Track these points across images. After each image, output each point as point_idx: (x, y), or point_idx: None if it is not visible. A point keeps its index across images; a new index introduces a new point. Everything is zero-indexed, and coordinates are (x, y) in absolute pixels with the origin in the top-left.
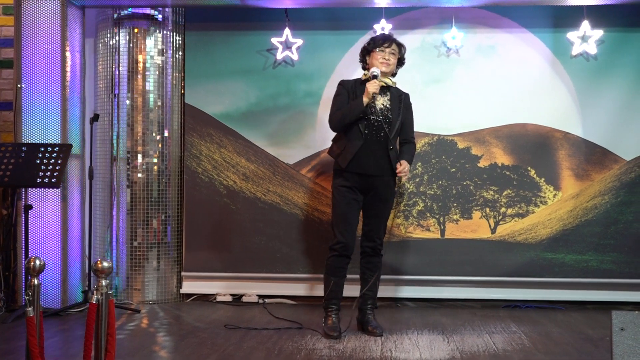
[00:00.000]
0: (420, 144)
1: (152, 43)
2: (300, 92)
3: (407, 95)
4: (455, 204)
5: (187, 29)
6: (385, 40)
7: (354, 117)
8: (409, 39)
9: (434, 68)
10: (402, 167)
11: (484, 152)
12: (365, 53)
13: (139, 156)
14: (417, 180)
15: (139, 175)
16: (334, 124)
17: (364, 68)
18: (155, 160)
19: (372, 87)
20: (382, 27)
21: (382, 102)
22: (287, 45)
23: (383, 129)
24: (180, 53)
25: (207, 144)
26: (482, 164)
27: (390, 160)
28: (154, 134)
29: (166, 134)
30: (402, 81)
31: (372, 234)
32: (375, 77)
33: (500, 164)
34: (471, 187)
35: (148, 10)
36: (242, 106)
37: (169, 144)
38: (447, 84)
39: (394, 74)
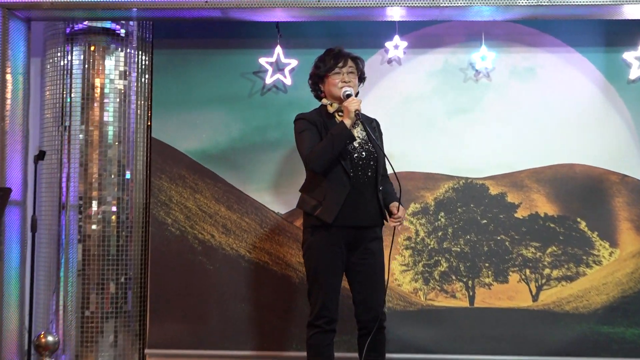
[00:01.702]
0: (442, 189)
1: (113, 64)
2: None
3: (376, 120)
4: (487, 264)
5: (155, 47)
6: (337, 59)
7: (341, 144)
8: (429, 60)
9: (460, 95)
10: (400, 212)
11: (522, 200)
12: (317, 80)
13: (94, 203)
14: (440, 234)
15: (94, 227)
16: (315, 161)
17: (318, 98)
18: (113, 209)
19: (353, 104)
20: (396, 44)
21: (356, 134)
22: (278, 67)
23: (370, 167)
24: (146, 76)
25: (178, 188)
26: (520, 214)
27: (379, 204)
28: (112, 176)
29: (128, 175)
30: (421, 111)
31: (371, 301)
32: (349, 96)
33: (542, 214)
34: (507, 243)
35: (108, 24)
36: (222, 142)
37: (131, 189)
38: (475, 115)
39: (356, 95)
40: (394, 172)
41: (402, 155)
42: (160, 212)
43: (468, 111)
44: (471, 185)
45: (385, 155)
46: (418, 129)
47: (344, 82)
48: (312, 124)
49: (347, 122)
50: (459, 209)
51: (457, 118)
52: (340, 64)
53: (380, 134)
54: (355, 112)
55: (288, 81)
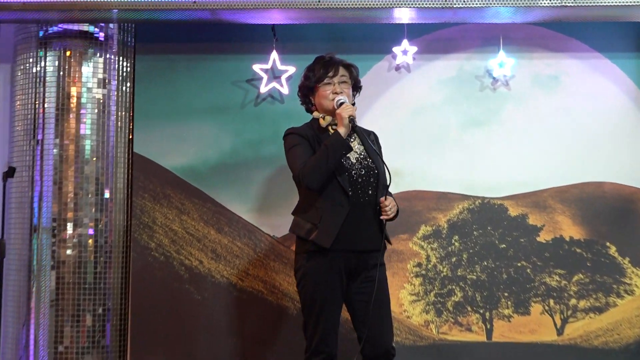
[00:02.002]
0: (456, 210)
1: (91, 70)
2: None
3: (374, 133)
4: (506, 294)
5: (138, 52)
6: (327, 68)
7: (337, 155)
8: (441, 67)
9: (475, 106)
10: (388, 202)
11: (545, 222)
12: (306, 92)
13: (69, 225)
14: (454, 260)
15: (69, 252)
16: (310, 176)
17: (309, 111)
18: (91, 232)
19: (346, 110)
20: (404, 49)
21: (353, 148)
22: (274, 75)
23: (370, 185)
24: (128, 84)
25: (163, 209)
26: (543, 237)
27: (381, 226)
28: (90, 195)
29: (107, 194)
30: (433, 124)
31: (379, 336)
32: (342, 104)
33: (568, 238)
34: (528, 271)
35: (86, 27)
36: (212, 157)
37: (110, 209)
38: (493, 128)
39: (353, 104)
40: (386, 168)
41: (411, 172)
42: (142, 235)
43: (485, 123)
44: (488, 205)
45: (387, 168)
46: (429, 143)
47: (336, 93)
48: (303, 139)
49: (342, 130)
50: (475, 232)
51: (472, 131)
52: (331, 73)
53: (379, 148)
54: (349, 118)
55: (285, 90)
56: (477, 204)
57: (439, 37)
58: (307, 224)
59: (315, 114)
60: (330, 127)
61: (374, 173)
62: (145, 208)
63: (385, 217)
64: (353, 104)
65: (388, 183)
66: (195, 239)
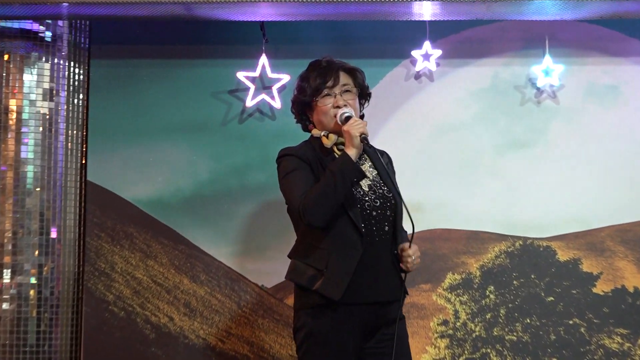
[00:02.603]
0: (491, 253)
1: (34, 79)
2: None
3: (386, 154)
4: (555, 359)
5: (93, 56)
6: (324, 76)
7: (346, 184)
8: (472, 75)
9: (515, 124)
10: (412, 252)
11: (603, 269)
12: (301, 108)
13: (6, 273)
14: (488, 317)
15: (5, 305)
16: (313, 210)
17: (306, 129)
18: (33, 280)
19: (356, 127)
20: (426, 53)
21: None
22: (263, 85)
23: (386, 220)
24: (81, 96)
25: (124, 252)
26: (600, 288)
27: (398, 270)
28: (32, 235)
29: (54, 234)
30: (461, 146)
31: None
32: (348, 118)
33: (631, 289)
34: (582, 330)
35: (29, 24)
36: (185, 187)
37: (58, 252)
38: (536, 151)
39: (361, 117)
40: (407, 210)
41: (434, 206)
42: (98, 284)
43: (526, 145)
44: (532, 248)
45: (402, 200)
46: (456, 169)
47: (337, 106)
48: (303, 162)
49: (352, 152)
50: (514, 282)
51: (510, 155)
52: (330, 82)
53: (393, 172)
54: (360, 137)
55: (277, 103)
56: (517, 245)
57: (468, 37)
58: (309, 270)
59: (315, 131)
60: (335, 148)
61: (391, 204)
62: (102, 251)
63: (410, 267)
64: (362, 117)
65: (410, 220)
66: (164, 289)
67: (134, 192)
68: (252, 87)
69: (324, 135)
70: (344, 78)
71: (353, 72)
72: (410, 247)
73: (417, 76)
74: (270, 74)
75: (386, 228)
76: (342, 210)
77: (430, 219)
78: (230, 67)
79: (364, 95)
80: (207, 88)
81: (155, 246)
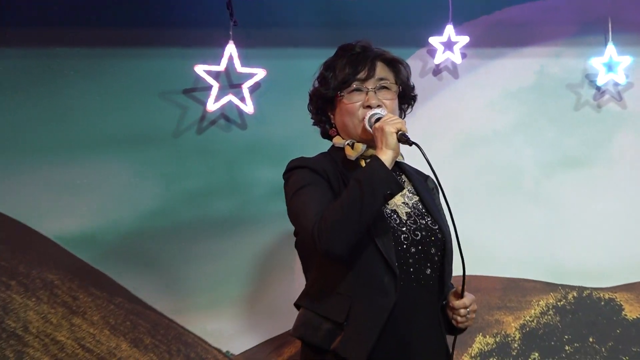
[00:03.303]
0: (536, 308)
1: None
2: (260, 188)
3: (431, 178)
4: None
5: None
6: (356, 64)
7: (379, 198)
8: (508, 70)
9: (567, 133)
10: (465, 302)
11: None
12: (321, 104)
13: None
14: None
15: None
16: (332, 233)
17: (326, 135)
18: None
19: (393, 122)
20: (449, 39)
21: (400, 198)
22: (231, 82)
23: (430, 260)
24: None
25: (40, 305)
26: None
27: (443, 332)
28: None
29: None
30: (495, 164)
31: None
32: (379, 120)
33: None
34: None
35: None
36: (124, 220)
37: None
38: (596, 171)
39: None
40: (459, 247)
41: (463, 243)
42: (5, 350)
43: (582, 163)
44: (590, 301)
45: (457, 234)
46: (489, 195)
47: (369, 106)
48: (319, 176)
49: (387, 155)
50: (567, 347)
51: (561, 176)
52: (362, 74)
53: (439, 202)
54: (398, 133)
55: (248, 107)
56: (570, 298)
57: (503, 20)
58: (324, 323)
59: (338, 139)
60: (363, 161)
61: (437, 240)
62: (12, 305)
63: (462, 325)
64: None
65: (460, 259)
66: (96, 357)
67: (56, 225)
68: (216, 86)
69: (348, 144)
70: (381, 70)
71: (395, 64)
72: (462, 296)
73: (437, 71)
74: (240, 68)
75: (428, 271)
76: (370, 240)
77: (454, 262)
78: (186, 59)
79: (407, 96)
80: (154, 86)
81: (84, 299)
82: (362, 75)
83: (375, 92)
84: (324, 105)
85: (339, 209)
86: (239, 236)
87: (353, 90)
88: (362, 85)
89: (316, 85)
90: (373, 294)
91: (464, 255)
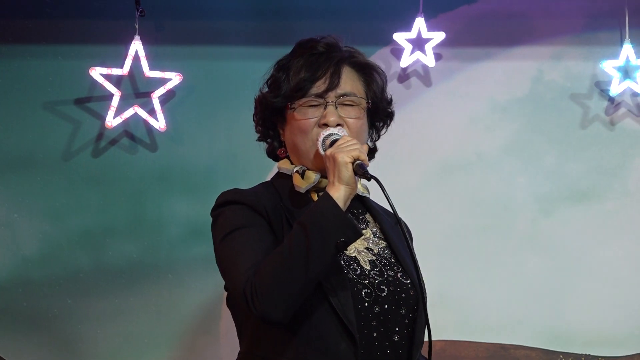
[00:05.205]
0: None
1: None
2: (174, 227)
3: (404, 222)
4: None
5: None
6: (316, 69)
7: (329, 248)
8: (498, 74)
9: (572, 157)
10: None
11: None
12: (269, 114)
13: None
14: None
15: None
16: (269, 293)
17: (273, 155)
18: None
19: (347, 149)
20: (418, 35)
21: (362, 243)
22: (137, 90)
23: (399, 323)
24: None
25: None
26: None
27: None
28: None
29: None
30: (478, 197)
31: None
32: (334, 142)
33: None
34: None
35: None
36: None
37: None
38: (608, 205)
39: (371, 152)
40: (424, 309)
41: (438, 305)
42: None
43: (590, 195)
44: None
45: (422, 288)
46: (471, 240)
47: (325, 124)
48: (256, 214)
49: (340, 192)
50: None
51: (563, 212)
52: (322, 82)
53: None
54: (355, 163)
55: (160, 122)
56: None
57: (489, 11)
58: None
59: (284, 163)
60: (315, 195)
61: (410, 297)
62: None
63: None
64: (373, 150)
65: (426, 324)
66: None
67: None
68: (118, 94)
69: (297, 171)
70: (348, 79)
71: (368, 71)
72: None
73: (403, 77)
74: (149, 72)
75: (396, 337)
76: (322, 297)
77: (433, 325)
78: (79, 60)
79: (381, 112)
80: (38, 95)
81: None
82: (321, 83)
83: (337, 107)
84: (272, 117)
85: (278, 262)
86: (148, 289)
87: (308, 102)
88: (320, 97)
89: (265, 89)
90: None
91: (438, 315)
